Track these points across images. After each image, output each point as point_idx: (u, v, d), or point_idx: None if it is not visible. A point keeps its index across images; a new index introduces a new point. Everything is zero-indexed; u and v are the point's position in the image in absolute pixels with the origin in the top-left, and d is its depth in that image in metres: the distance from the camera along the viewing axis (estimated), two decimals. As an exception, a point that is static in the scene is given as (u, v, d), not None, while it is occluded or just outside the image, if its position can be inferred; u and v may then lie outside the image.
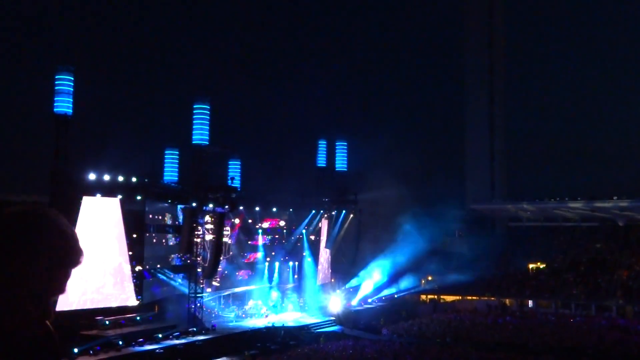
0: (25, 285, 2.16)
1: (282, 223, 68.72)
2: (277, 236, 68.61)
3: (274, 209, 67.98)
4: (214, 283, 60.01)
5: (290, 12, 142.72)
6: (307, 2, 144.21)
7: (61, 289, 2.28)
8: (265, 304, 62.68)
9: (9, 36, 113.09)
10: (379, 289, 70.44)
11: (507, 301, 67.09)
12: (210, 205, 54.34)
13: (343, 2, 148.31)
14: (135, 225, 51.33)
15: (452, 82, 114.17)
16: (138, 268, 51.16)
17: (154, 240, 54.52)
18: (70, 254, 2.28)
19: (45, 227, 2.23)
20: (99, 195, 48.78)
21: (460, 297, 69.19)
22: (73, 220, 47.29)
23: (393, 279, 70.98)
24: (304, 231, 70.04)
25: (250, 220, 65.93)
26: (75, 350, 40.31)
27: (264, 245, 66.69)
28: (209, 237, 55.43)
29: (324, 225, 72.29)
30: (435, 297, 70.76)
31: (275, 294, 65.34)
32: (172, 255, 56.28)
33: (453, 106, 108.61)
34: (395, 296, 70.54)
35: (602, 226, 74.69)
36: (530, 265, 72.11)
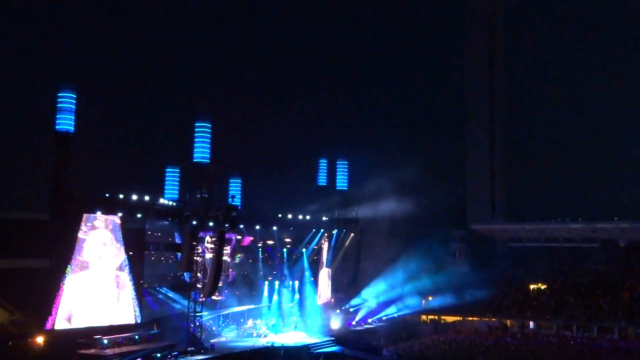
0: None
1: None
2: (278, 254, 68.41)
3: (274, 227, 67.89)
4: (215, 297, 59.41)
5: (291, 32, 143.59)
6: (308, 21, 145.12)
7: None
8: (265, 323, 62.30)
9: (12, 53, 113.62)
10: (379, 309, 70.02)
11: (508, 322, 66.69)
12: (211, 224, 54.21)
13: (343, 21, 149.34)
14: (135, 243, 51.22)
15: (452, 102, 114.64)
16: (137, 286, 50.87)
17: (153, 258, 54.32)
18: None
19: None
20: (99, 213, 48.78)
21: (461, 318, 68.78)
22: (73, 237, 47.27)
23: (393, 299, 70.60)
24: (304, 250, 69.89)
25: (251, 239, 65.92)
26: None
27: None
28: (209, 255, 55.16)
29: (325, 244, 72.15)
30: (436, 317, 70.33)
31: (274, 314, 65.02)
32: (172, 274, 56.14)
33: (453, 126, 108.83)
34: (396, 316, 70.11)
35: (603, 247, 74.39)
36: (531, 286, 71.73)
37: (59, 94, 49.45)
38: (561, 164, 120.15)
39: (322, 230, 71.40)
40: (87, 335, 47.07)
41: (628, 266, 70.96)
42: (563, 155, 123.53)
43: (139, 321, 50.81)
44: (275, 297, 66.49)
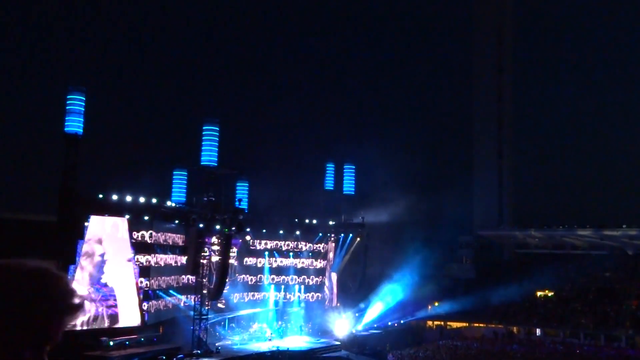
0: (25, 334, 2.43)
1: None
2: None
3: (281, 232, 68.06)
4: (219, 305, 59.68)
5: (299, 36, 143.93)
6: (316, 25, 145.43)
7: (57, 339, 2.55)
8: (270, 327, 62.24)
9: (22, 55, 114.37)
10: (385, 314, 69.85)
11: (515, 329, 66.41)
12: (218, 227, 54.25)
13: (351, 25, 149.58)
14: (142, 245, 51.32)
15: (460, 107, 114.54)
16: (143, 288, 50.95)
17: (159, 260, 54.37)
18: (68, 309, 2.54)
19: (48, 284, 2.51)
20: (106, 215, 48.88)
21: (467, 324, 68.53)
22: (80, 239, 47.39)
23: (400, 304, 70.41)
24: (311, 254, 69.89)
25: (257, 241, 66.09)
26: (79, 370, 39.99)
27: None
28: (215, 258, 55.23)
29: (331, 248, 72.09)
30: (442, 323, 70.10)
31: (280, 318, 64.98)
32: (176, 277, 56.20)
33: (461, 132, 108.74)
34: (402, 322, 69.90)
35: (611, 255, 74.01)
36: (538, 293, 71.42)
37: (68, 96, 49.61)
38: (569, 171, 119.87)
39: (328, 234, 71.40)
40: (93, 337, 47.13)
41: (636, 274, 70.53)
42: (571, 162, 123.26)
43: (144, 323, 50.85)
44: (280, 300, 66.50)
